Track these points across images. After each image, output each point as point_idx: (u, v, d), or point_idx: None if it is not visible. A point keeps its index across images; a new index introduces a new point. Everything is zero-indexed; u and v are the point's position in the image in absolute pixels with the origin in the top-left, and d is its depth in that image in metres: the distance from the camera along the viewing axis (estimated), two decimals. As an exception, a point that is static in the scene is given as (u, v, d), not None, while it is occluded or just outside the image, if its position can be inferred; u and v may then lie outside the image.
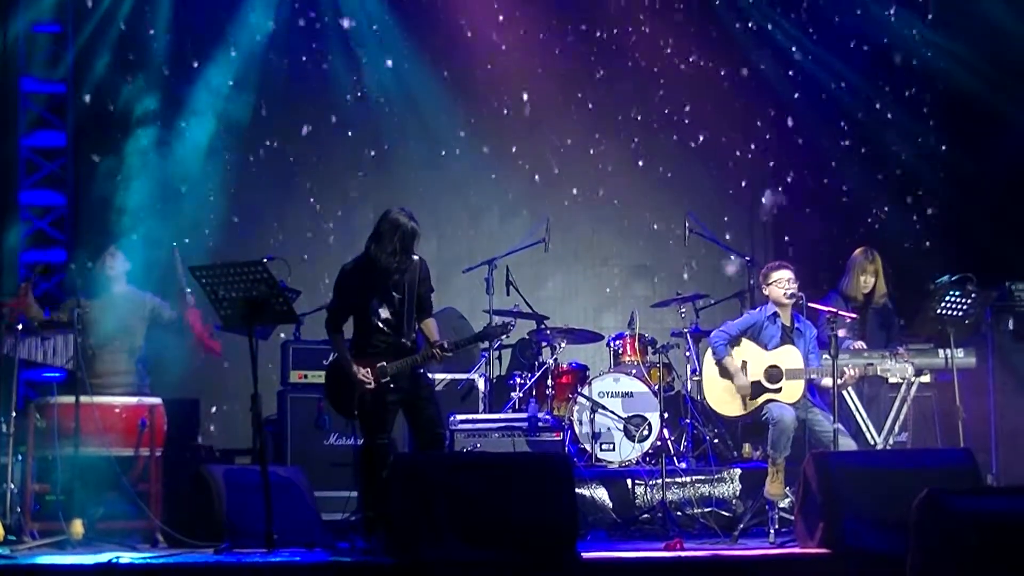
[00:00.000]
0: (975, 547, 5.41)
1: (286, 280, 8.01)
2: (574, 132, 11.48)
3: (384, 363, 7.06)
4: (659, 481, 8.38)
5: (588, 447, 8.97)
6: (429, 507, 6.16)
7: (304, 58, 10.94)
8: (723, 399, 7.95)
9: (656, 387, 9.07)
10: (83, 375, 7.61)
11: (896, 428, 8.26)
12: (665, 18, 11.40)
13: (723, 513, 8.45)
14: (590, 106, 11.50)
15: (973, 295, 8.06)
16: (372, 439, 7.05)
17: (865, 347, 8.29)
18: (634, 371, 9.32)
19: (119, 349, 8.29)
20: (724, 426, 9.25)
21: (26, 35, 9.99)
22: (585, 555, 6.44)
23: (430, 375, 7.63)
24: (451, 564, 6.08)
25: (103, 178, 9.84)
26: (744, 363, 7.88)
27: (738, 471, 8.69)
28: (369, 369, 7.06)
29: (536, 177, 11.42)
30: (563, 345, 9.66)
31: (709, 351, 8.03)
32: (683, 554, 6.83)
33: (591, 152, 11.54)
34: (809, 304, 7.92)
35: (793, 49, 11.13)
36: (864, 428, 8.26)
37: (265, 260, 7.02)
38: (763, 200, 9.99)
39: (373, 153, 11.17)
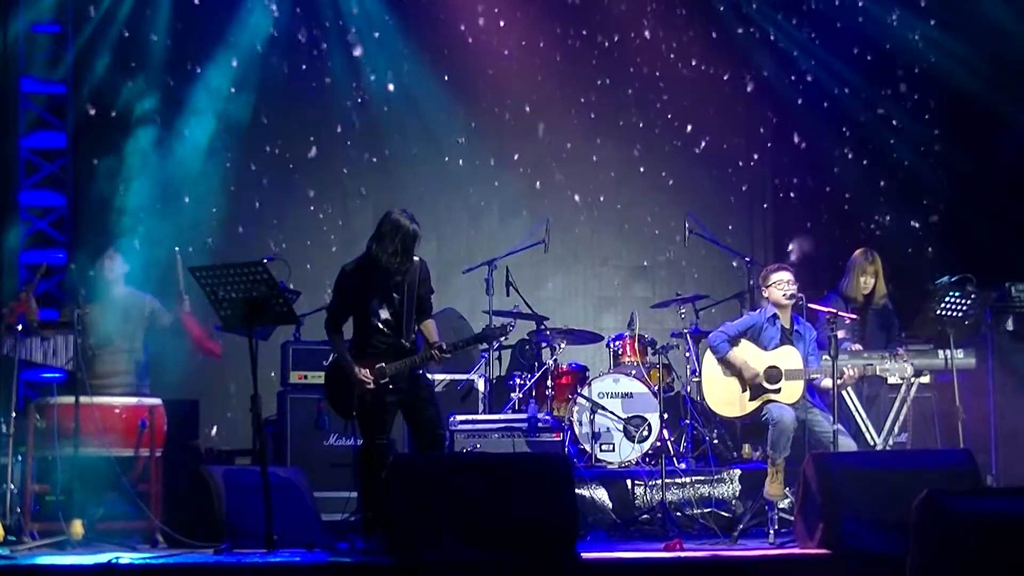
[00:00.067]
0: (975, 548, 5.41)
1: (286, 281, 8.02)
2: (575, 137, 11.49)
3: (383, 364, 7.06)
4: (659, 482, 8.38)
5: (588, 448, 8.97)
6: (429, 507, 6.16)
7: (304, 59, 10.93)
8: (723, 400, 7.95)
9: (656, 388, 9.07)
10: (83, 376, 7.62)
11: (896, 429, 8.26)
12: (667, 23, 11.40)
13: (723, 514, 8.45)
14: (592, 112, 11.51)
15: (973, 296, 8.06)
16: (371, 440, 7.05)
17: (863, 350, 8.29)
18: (634, 372, 9.32)
19: (119, 350, 8.31)
20: (724, 427, 9.25)
21: (26, 35, 9.99)
22: (585, 555, 6.44)
23: (429, 376, 7.63)
24: (451, 565, 6.08)
25: (103, 178, 9.83)
26: (740, 369, 7.87)
27: (738, 472, 8.69)
28: (368, 370, 7.06)
29: (537, 184, 11.43)
30: (563, 346, 9.66)
31: (709, 352, 8.03)
32: (683, 555, 6.82)
33: (593, 158, 11.55)
34: (809, 305, 7.92)
35: (795, 53, 11.14)
36: (864, 429, 8.25)
37: (265, 260, 7.03)
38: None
39: (375, 158, 11.17)
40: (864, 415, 8.30)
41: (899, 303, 8.84)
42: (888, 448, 8.19)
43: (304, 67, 10.94)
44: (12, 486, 7.41)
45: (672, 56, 11.40)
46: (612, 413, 9.00)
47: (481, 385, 9.39)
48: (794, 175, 11.42)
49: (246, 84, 10.48)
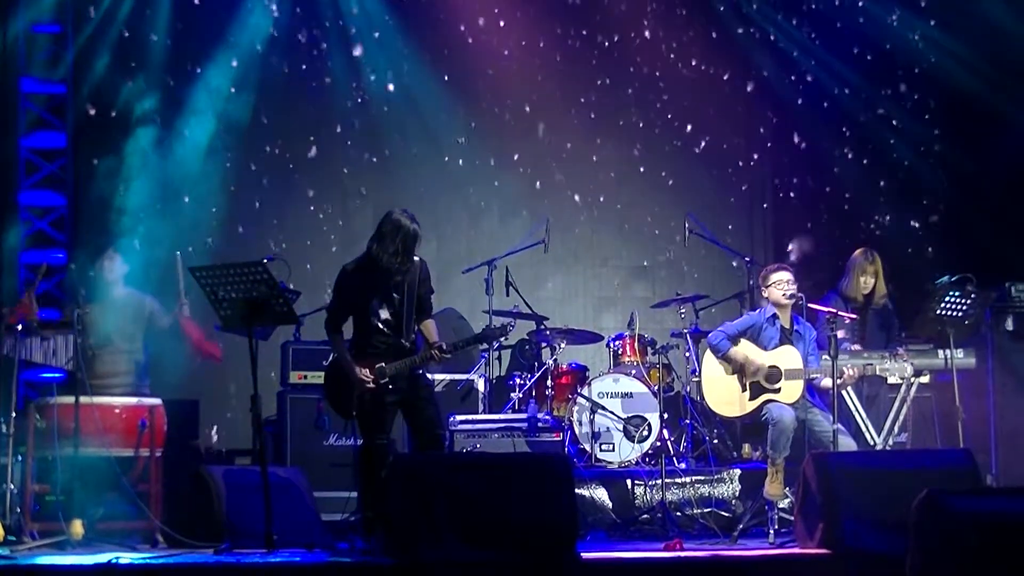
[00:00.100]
0: (975, 548, 5.41)
1: (286, 281, 8.01)
2: (575, 137, 11.49)
3: (383, 364, 7.06)
4: (659, 481, 8.38)
5: (588, 447, 8.97)
6: (428, 507, 6.16)
7: (304, 59, 10.94)
8: (723, 399, 7.95)
9: (656, 388, 9.07)
10: (83, 376, 7.62)
11: (896, 428, 8.26)
12: (667, 23, 11.40)
13: (723, 513, 8.45)
14: (592, 112, 11.51)
15: (973, 295, 8.07)
16: (371, 439, 7.05)
17: (863, 350, 8.29)
18: (634, 372, 9.32)
19: (119, 350, 8.31)
20: (724, 426, 9.25)
21: (26, 35, 9.98)
22: (585, 555, 6.44)
23: (429, 376, 7.63)
24: (450, 564, 6.07)
25: (103, 178, 9.83)
26: (743, 365, 7.88)
27: (738, 471, 8.69)
28: (368, 370, 7.06)
29: (537, 184, 11.42)
30: (563, 346, 9.66)
31: (709, 351, 8.03)
32: (683, 554, 6.82)
33: (593, 158, 11.55)
34: (809, 305, 7.92)
35: (795, 53, 11.14)
36: (864, 428, 8.25)
37: (265, 260, 7.03)
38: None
39: (375, 158, 11.17)
40: (864, 415, 8.30)
41: (899, 303, 8.84)
42: (888, 448, 8.19)
43: (304, 67, 10.95)
44: (12, 486, 7.41)
45: (672, 56, 11.40)
46: (612, 413, 9.00)
47: (481, 385, 9.39)
48: (794, 175, 11.42)
49: (246, 84, 10.48)
